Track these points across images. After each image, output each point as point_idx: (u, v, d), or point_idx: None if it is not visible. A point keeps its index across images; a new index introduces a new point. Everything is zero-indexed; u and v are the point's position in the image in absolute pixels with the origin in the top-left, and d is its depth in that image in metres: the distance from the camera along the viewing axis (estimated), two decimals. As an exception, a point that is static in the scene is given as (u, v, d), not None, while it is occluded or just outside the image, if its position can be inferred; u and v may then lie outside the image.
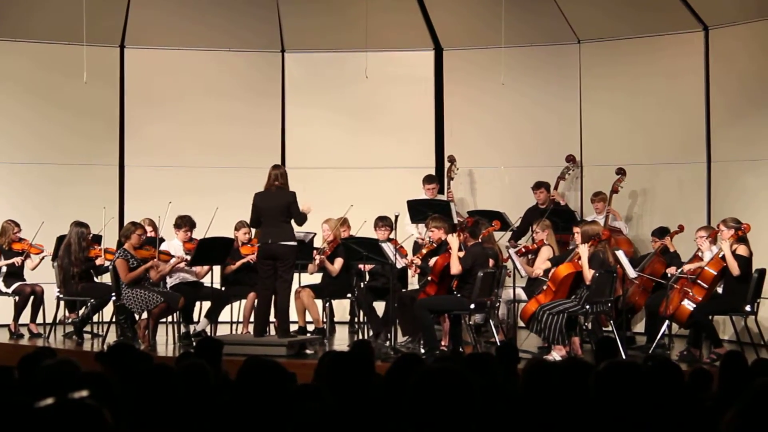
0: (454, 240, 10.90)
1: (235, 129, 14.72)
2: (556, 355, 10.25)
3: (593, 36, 13.87)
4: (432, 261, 11.26)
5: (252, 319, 12.18)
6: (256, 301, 12.05)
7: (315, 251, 12.28)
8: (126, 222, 12.71)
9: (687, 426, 4.74)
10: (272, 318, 11.43)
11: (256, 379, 4.45)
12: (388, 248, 11.35)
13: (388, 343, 11.19)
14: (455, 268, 10.79)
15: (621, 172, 13.06)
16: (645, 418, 4.21)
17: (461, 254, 10.86)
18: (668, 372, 5.58)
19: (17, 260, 12.59)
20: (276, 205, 10.79)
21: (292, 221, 10.89)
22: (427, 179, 13.48)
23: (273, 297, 11.04)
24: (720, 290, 11.01)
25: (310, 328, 12.35)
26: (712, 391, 6.09)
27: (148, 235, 12.17)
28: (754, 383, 3.44)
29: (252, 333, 11.79)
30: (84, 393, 3.33)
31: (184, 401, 4.50)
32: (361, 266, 12.32)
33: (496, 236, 12.17)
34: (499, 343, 10.54)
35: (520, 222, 12.98)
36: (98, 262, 12.34)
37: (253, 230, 12.38)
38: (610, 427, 4.15)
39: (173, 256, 11.97)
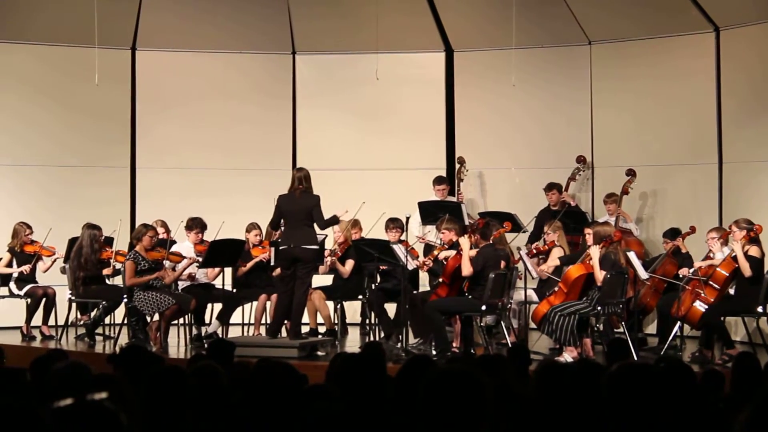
0: (465, 241, 10.90)
1: (247, 131, 14.74)
2: (568, 356, 10.24)
3: (604, 37, 13.85)
4: (443, 255, 11.26)
5: (263, 321, 12.22)
6: (267, 303, 12.09)
7: (327, 251, 12.28)
8: (137, 224, 12.73)
9: (699, 428, 4.73)
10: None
11: (268, 381, 4.45)
12: (399, 250, 11.35)
13: (399, 344, 11.19)
14: (466, 269, 10.78)
15: (631, 173, 13.05)
16: (657, 419, 4.20)
17: (473, 253, 10.86)
18: (680, 373, 5.56)
19: (26, 268, 12.59)
20: (299, 209, 10.78)
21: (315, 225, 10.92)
22: (437, 180, 13.48)
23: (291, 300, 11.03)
24: (732, 291, 10.98)
25: (322, 329, 12.35)
26: (724, 393, 6.07)
27: (161, 236, 12.19)
28: (766, 385, 3.43)
29: (263, 334, 11.83)
30: (103, 395, 3.35)
31: (196, 403, 4.51)
32: (382, 267, 12.24)
33: (508, 237, 12.16)
34: (510, 345, 10.54)
35: (533, 225, 12.96)
36: (105, 272, 12.32)
37: (264, 232, 12.40)
38: (622, 429, 4.14)
39: (184, 257, 11.98)
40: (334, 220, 11.14)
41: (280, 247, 10.95)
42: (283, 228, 11.09)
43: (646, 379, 4.24)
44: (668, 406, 4.35)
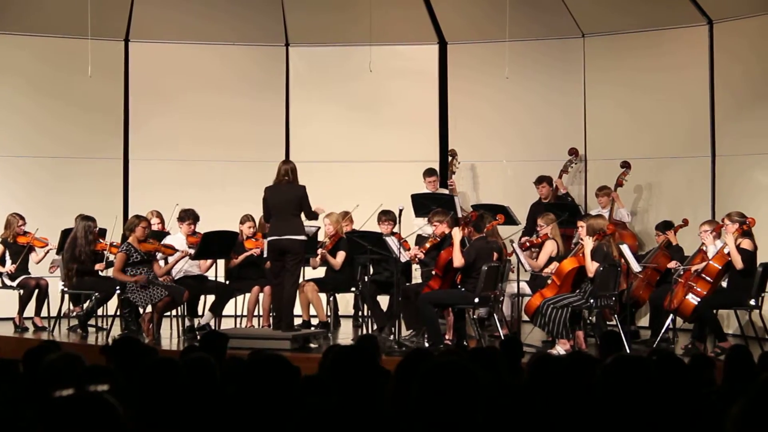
0: (456, 233, 10.89)
1: (240, 123, 14.72)
2: (560, 349, 10.25)
3: (597, 30, 13.86)
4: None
5: (256, 312, 12.23)
6: (260, 295, 12.09)
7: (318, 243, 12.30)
8: (130, 216, 12.72)
9: (692, 420, 4.73)
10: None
11: (261, 373, 4.45)
12: (392, 242, 11.35)
13: (392, 336, 11.19)
14: (457, 260, 10.78)
15: (626, 165, 13.05)
16: (651, 412, 4.20)
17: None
18: (672, 366, 5.57)
19: (11, 268, 12.53)
20: (286, 200, 10.81)
21: (302, 216, 10.93)
22: (427, 173, 13.47)
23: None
24: (725, 284, 11.00)
25: (314, 321, 12.35)
26: (717, 385, 6.09)
27: (155, 227, 12.18)
28: (759, 378, 3.43)
29: (256, 326, 11.84)
30: (105, 387, 3.35)
31: (189, 394, 4.51)
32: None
33: (501, 230, 12.15)
34: (503, 337, 10.55)
35: (527, 220, 12.98)
36: (98, 266, 12.28)
37: (257, 224, 12.40)
38: (616, 422, 4.15)
39: (177, 250, 11.97)
40: (316, 214, 11.16)
41: (268, 239, 10.98)
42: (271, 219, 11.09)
43: (642, 372, 4.25)
44: (662, 399, 4.36)
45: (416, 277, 12.68)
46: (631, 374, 4.23)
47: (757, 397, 3.12)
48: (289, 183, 10.88)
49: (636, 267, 11.31)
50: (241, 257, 12.27)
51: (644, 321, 12.57)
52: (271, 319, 11.92)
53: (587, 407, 4.32)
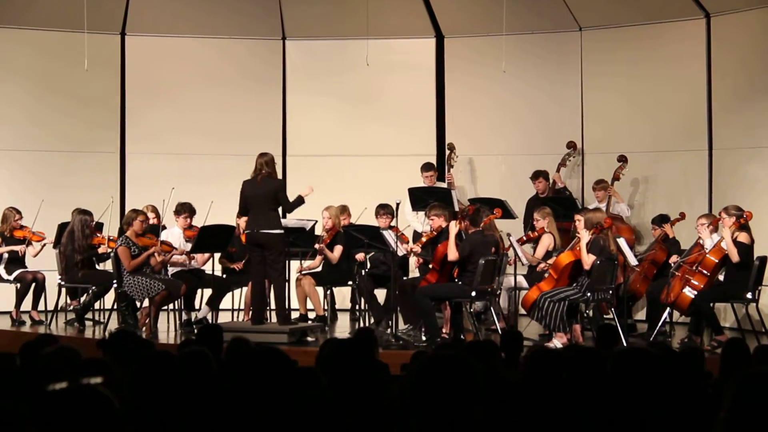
0: (452, 226, 10.89)
1: (236, 116, 14.71)
2: (557, 342, 10.25)
3: (595, 23, 13.84)
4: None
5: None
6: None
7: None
8: (127, 209, 12.71)
9: (688, 414, 4.74)
10: (273, 306, 11.44)
11: (258, 366, 4.45)
12: (389, 236, 11.34)
13: (389, 330, 11.19)
14: (451, 254, 10.77)
15: (622, 159, 13.04)
16: (653, 405, 4.21)
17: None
18: (669, 359, 5.58)
19: (21, 249, 12.56)
20: (262, 193, 10.80)
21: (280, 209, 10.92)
22: (425, 167, 13.44)
23: (268, 284, 11.06)
24: (722, 278, 11.01)
25: (312, 315, 12.35)
26: (713, 378, 6.09)
27: (151, 222, 12.16)
28: (736, 377, 3.43)
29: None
30: (98, 380, 3.35)
31: (185, 388, 4.50)
32: (357, 257, 12.33)
33: (498, 224, 12.15)
34: (500, 331, 10.55)
35: (524, 216, 12.98)
36: (101, 250, 12.30)
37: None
38: (612, 415, 4.15)
39: (174, 248, 11.96)
40: (300, 201, 11.10)
41: (245, 232, 10.98)
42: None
43: (651, 365, 4.26)
44: (663, 391, 4.37)
45: (413, 270, 12.68)
46: (641, 367, 4.24)
47: (738, 397, 3.14)
48: (265, 177, 10.86)
49: (633, 260, 11.32)
50: (233, 265, 12.32)
51: (641, 314, 12.58)
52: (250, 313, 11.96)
53: (588, 399, 4.32)
